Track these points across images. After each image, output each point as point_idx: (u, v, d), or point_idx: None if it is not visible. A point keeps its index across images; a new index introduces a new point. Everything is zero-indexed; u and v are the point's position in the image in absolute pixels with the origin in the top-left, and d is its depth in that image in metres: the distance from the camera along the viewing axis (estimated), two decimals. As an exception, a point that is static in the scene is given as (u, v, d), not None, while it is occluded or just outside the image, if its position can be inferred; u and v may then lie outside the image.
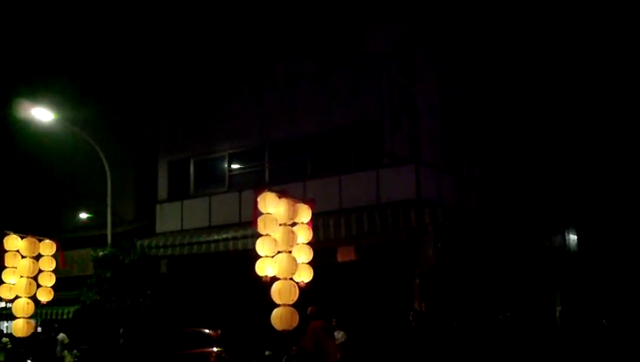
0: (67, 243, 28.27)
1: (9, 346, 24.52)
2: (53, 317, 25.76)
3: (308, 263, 11.89)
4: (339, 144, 19.55)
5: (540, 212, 22.40)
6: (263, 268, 11.19)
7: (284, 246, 11.36)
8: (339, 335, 17.50)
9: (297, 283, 11.46)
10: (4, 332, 27.55)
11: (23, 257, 14.44)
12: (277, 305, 11.11)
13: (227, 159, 21.82)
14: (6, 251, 14.18)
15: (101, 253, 21.37)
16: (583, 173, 23.95)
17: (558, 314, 20.56)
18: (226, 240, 20.11)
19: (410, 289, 17.13)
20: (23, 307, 14.65)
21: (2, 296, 14.64)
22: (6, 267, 14.20)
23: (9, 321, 30.78)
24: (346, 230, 17.92)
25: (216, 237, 20.30)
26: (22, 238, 14.41)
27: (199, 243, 20.58)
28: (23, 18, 29.62)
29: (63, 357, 22.27)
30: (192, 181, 22.49)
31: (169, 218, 21.99)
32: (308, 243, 11.94)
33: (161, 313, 20.78)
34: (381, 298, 17.66)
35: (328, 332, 12.62)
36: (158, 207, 22.71)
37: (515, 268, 19.43)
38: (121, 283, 20.45)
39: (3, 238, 14.28)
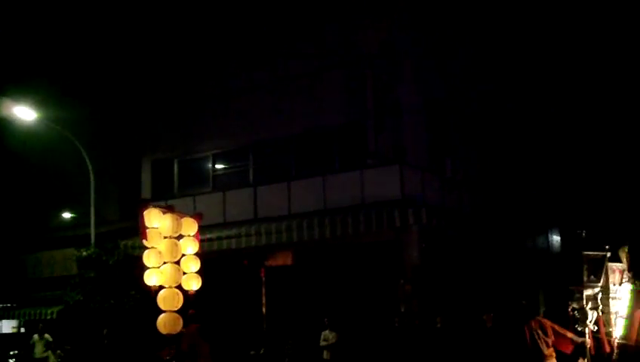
0: (50, 242, 28.37)
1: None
2: (37, 317, 25.64)
3: (196, 272, 12.88)
4: (323, 144, 19.60)
5: (524, 213, 22.50)
6: (150, 278, 12.25)
7: (168, 257, 12.33)
8: (330, 335, 17.59)
9: (186, 291, 12.55)
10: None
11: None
12: (162, 311, 12.15)
13: (211, 159, 21.81)
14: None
15: (85, 253, 21.27)
16: (566, 174, 24.07)
17: (542, 314, 20.64)
18: (210, 240, 20.04)
19: (394, 290, 17.17)
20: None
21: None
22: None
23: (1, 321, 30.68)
24: (330, 230, 17.94)
25: (200, 236, 20.20)
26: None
27: (183, 244, 20.50)
28: (5, 17, 29.44)
29: (46, 358, 22.18)
30: (176, 181, 22.46)
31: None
32: (195, 254, 12.94)
33: (145, 314, 20.70)
34: (366, 299, 17.71)
35: (203, 336, 13.78)
36: (141, 206, 22.61)
37: (498, 268, 19.50)
38: (104, 283, 20.37)
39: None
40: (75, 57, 27.78)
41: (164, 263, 12.35)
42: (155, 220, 12.34)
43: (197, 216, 13.44)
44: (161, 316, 12.25)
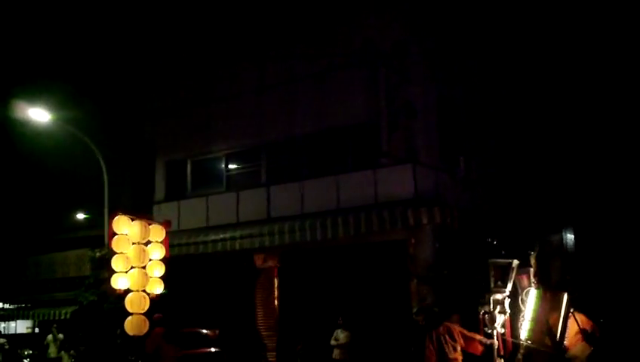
0: (64, 243, 28.50)
1: (7, 347, 24.57)
2: (51, 317, 25.77)
3: (160, 277, 13.61)
4: (336, 144, 19.58)
5: (538, 211, 22.38)
6: (117, 282, 12.99)
7: (136, 262, 13.06)
8: (342, 335, 17.59)
9: (148, 294, 13.17)
10: (2, 332, 27.55)
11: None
12: (130, 314, 12.88)
13: (224, 159, 21.83)
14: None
15: (98, 254, 21.36)
16: (580, 173, 23.94)
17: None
18: (223, 240, 20.09)
19: (407, 290, 17.14)
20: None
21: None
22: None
23: (6, 321, 30.87)
24: (343, 230, 17.92)
25: (213, 237, 20.28)
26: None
27: (197, 244, 20.54)
28: (18, 19, 29.58)
29: (60, 358, 22.29)
30: (190, 181, 22.50)
31: (166, 218, 21.92)
32: (161, 260, 13.63)
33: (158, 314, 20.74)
34: (379, 298, 17.68)
35: (168, 339, 14.51)
36: (155, 207, 22.68)
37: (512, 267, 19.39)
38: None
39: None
40: (89, 59, 27.90)
41: (132, 268, 13.02)
42: (124, 227, 13.08)
43: (165, 223, 14.19)
44: (129, 318, 12.92)
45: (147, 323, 13.13)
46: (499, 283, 12.75)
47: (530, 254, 13.70)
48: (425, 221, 16.92)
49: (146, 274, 13.26)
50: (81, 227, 29.15)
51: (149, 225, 13.42)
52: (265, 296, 19.84)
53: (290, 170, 20.25)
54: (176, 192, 22.55)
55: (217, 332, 18.13)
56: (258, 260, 19.75)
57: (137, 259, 13.13)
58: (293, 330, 19.09)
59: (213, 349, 17.75)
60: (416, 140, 18.36)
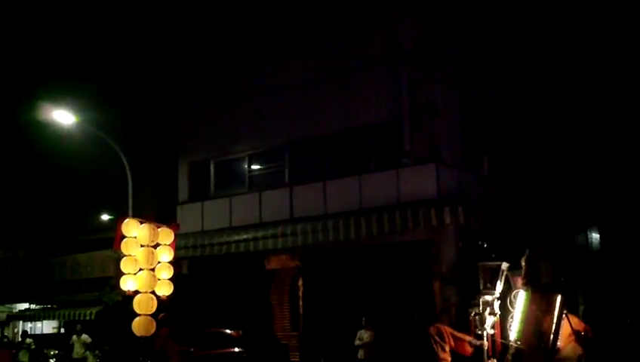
0: (89, 244, 28.70)
1: (33, 347, 24.79)
2: (76, 318, 25.96)
3: (169, 279, 14.01)
4: (359, 144, 19.54)
5: (562, 210, 22.22)
6: (126, 283, 13.42)
7: (145, 264, 13.47)
8: (366, 334, 17.59)
9: (158, 296, 13.64)
10: (29, 332, 27.80)
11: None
12: (138, 315, 13.33)
13: (247, 160, 21.87)
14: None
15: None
16: (605, 171, 23.73)
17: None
18: (246, 240, 20.14)
19: (430, 290, 17.09)
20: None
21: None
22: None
23: (33, 322, 31.15)
24: (366, 230, 17.89)
25: (236, 237, 20.34)
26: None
27: (220, 244, 20.62)
28: (43, 21, 29.83)
29: (85, 358, 22.44)
30: (213, 182, 22.56)
31: (190, 219, 22.02)
32: (169, 262, 14.05)
33: (182, 314, 20.83)
34: (402, 298, 17.63)
35: (174, 338, 14.43)
36: (179, 208, 22.77)
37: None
38: (142, 284, 20.51)
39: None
40: (113, 61, 28.07)
41: (140, 270, 13.43)
42: (133, 230, 13.46)
43: (174, 226, 14.58)
44: (137, 319, 13.38)
45: (154, 324, 13.56)
46: (488, 285, 13.16)
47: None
48: (448, 221, 16.85)
49: (155, 276, 13.66)
50: (106, 228, 29.24)
51: (158, 228, 13.79)
52: (288, 296, 19.87)
53: (313, 170, 20.24)
54: (199, 193, 22.62)
55: (241, 332, 18.16)
56: (281, 260, 19.78)
57: (146, 262, 13.50)
58: (316, 330, 19.09)
59: (236, 349, 17.77)
60: (440, 139, 18.29)
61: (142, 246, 13.52)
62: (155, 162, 26.74)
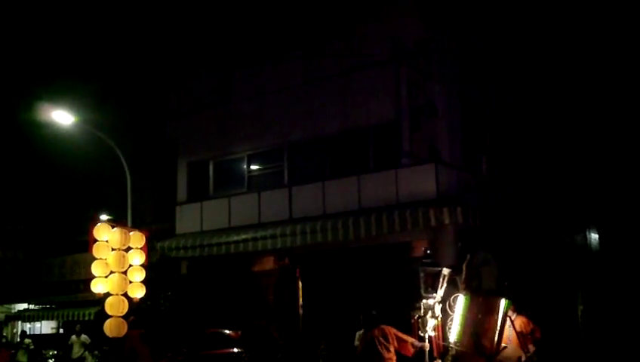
0: (88, 244, 28.65)
1: (31, 347, 24.76)
2: (75, 318, 25.93)
3: (141, 281, 14.50)
4: (358, 144, 19.53)
5: (561, 210, 22.25)
6: (96, 286, 13.81)
7: (116, 267, 13.92)
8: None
9: (131, 298, 14.15)
10: (27, 333, 27.76)
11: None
12: (109, 316, 13.77)
13: (246, 160, 21.85)
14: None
15: (121, 255, 21.44)
16: (604, 172, 23.76)
17: (580, 313, 20.43)
18: (245, 241, 20.13)
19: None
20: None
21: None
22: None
23: (32, 322, 31.11)
24: (365, 230, 17.89)
25: (235, 238, 20.32)
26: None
27: (219, 245, 20.60)
28: (43, 21, 29.82)
29: (84, 358, 22.42)
30: (212, 182, 22.54)
31: (189, 219, 22.03)
32: (141, 265, 14.53)
33: (181, 314, 20.84)
34: (401, 299, 17.60)
35: (144, 340, 14.90)
36: (177, 208, 22.76)
37: (535, 267, 19.30)
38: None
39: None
40: (111, 61, 28.07)
41: (112, 273, 13.85)
42: (105, 234, 13.83)
43: (145, 230, 15.05)
44: (108, 320, 13.82)
45: (125, 325, 13.99)
46: (429, 289, 13.36)
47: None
48: (447, 221, 16.86)
49: (126, 279, 14.07)
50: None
51: (130, 232, 14.25)
52: (287, 296, 19.84)
53: (312, 171, 20.24)
54: (198, 193, 22.60)
55: (240, 332, 18.15)
56: (280, 261, 19.76)
57: (117, 265, 13.88)
58: (315, 330, 19.07)
59: (235, 349, 17.76)
60: (439, 140, 18.31)
61: (113, 249, 13.88)
62: (154, 162, 26.71)
